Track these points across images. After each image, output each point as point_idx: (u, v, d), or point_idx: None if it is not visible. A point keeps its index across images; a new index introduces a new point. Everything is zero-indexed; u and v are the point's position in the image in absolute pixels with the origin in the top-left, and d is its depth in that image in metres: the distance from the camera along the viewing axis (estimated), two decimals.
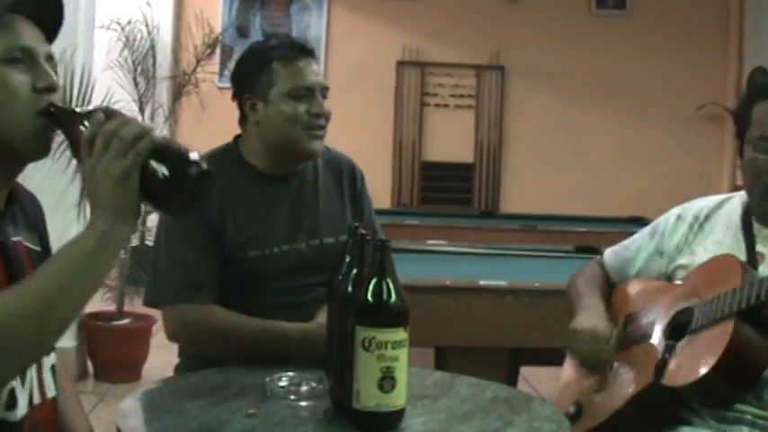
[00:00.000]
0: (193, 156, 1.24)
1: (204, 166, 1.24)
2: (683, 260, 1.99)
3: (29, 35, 1.36)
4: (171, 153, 1.25)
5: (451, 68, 7.44)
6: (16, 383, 1.35)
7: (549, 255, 3.88)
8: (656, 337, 1.88)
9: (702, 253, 1.94)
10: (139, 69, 5.07)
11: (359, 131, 6.73)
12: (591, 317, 1.99)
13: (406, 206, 7.14)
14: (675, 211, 2.07)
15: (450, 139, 7.44)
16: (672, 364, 1.80)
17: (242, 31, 7.16)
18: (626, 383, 1.90)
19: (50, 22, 1.41)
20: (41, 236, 1.52)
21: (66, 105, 1.36)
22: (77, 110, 1.32)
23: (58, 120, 1.32)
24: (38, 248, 1.47)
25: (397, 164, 7.42)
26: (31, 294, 1.20)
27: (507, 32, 7.44)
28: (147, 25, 5.19)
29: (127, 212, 1.24)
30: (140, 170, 1.23)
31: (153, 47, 5.19)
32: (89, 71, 4.45)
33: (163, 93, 5.73)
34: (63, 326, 1.24)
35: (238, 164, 2.12)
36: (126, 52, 5.01)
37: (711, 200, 2.04)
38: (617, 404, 1.89)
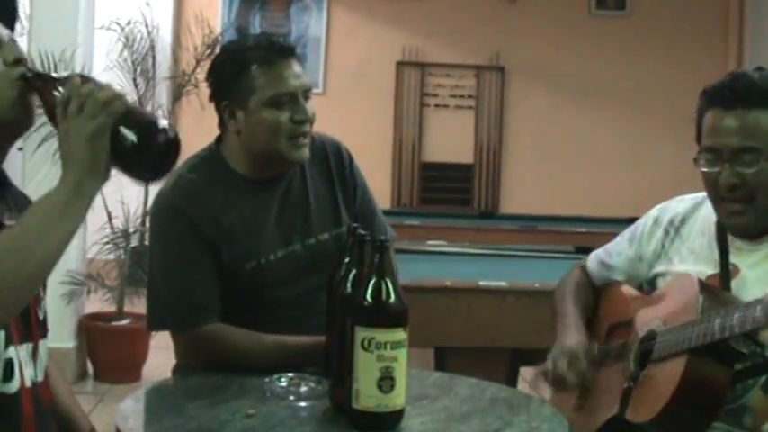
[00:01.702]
0: (162, 124, 1.31)
1: (172, 134, 1.31)
2: (660, 268, 1.95)
3: None
4: (141, 119, 1.33)
5: (451, 69, 7.44)
6: (13, 355, 1.39)
7: (549, 255, 3.87)
8: (628, 362, 1.83)
9: (678, 262, 1.90)
10: (139, 70, 5.07)
11: (358, 132, 6.72)
12: (570, 336, 1.95)
13: (405, 206, 7.14)
14: (653, 213, 2.02)
15: (449, 140, 7.44)
16: (634, 397, 1.76)
17: (242, 32, 7.14)
18: (601, 409, 1.86)
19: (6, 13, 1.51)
20: None
21: (41, 71, 1.43)
22: (53, 75, 1.40)
23: (34, 84, 1.39)
24: None
25: (397, 164, 7.42)
26: (8, 242, 1.27)
27: (507, 33, 7.44)
28: (146, 26, 5.19)
29: (97, 169, 1.31)
30: (111, 133, 1.29)
31: (152, 47, 5.18)
32: (89, 72, 4.45)
33: (162, 93, 5.72)
34: (39, 272, 1.29)
35: (224, 172, 2.01)
36: (126, 53, 5.01)
37: (688, 200, 1.98)
38: (590, 430, 1.85)
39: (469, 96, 7.49)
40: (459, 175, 7.47)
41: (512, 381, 2.95)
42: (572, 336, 1.94)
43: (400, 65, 7.42)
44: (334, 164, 2.12)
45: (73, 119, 1.31)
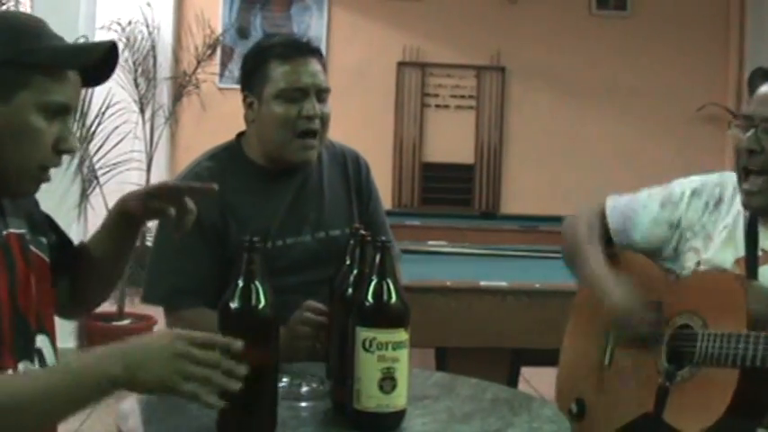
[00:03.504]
0: None
1: None
2: (697, 242, 1.92)
3: (75, 92, 1.41)
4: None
5: (452, 69, 7.43)
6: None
7: (550, 255, 3.86)
8: (659, 352, 1.79)
9: (716, 237, 1.88)
10: (140, 70, 5.08)
11: (359, 132, 6.71)
12: (624, 289, 1.86)
13: (406, 207, 7.14)
14: (690, 185, 1.99)
15: (450, 140, 7.44)
16: (674, 400, 1.72)
17: (242, 32, 7.15)
18: (630, 401, 1.83)
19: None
20: (28, 213, 1.55)
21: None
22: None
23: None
24: (23, 231, 1.50)
25: (398, 165, 7.41)
26: (24, 394, 1.27)
27: (507, 33, 7.44)
28: (147, 26, 5.20)
29: (138, 387, 1.32)
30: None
31: (153, 47, 5.19)
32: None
33: (163, 93, 5.73)
34: (36, 426, 1.31)
35: (239, 160, 2.09)
36: (126, 53, 5.02)
37: (727, 177, 1.95)
38: (620, 420, 1.83)
39: (470, 96, 7.48)
40: (460, 175, 7.47)
41: (513, 381, 2.95)
42: (625, 290, 1.87)
43: (401, 65, 7.42)
44: (352, 170, 2.20)
45: (190, 363, 1.31)
